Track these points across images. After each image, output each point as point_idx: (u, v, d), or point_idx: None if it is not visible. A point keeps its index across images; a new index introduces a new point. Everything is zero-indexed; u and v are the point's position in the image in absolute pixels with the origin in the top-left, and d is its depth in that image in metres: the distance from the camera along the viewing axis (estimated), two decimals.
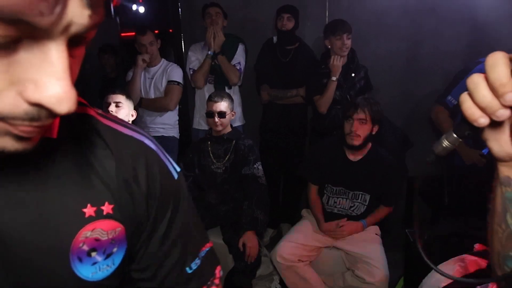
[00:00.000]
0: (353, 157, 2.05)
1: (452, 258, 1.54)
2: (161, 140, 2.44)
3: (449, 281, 1.48)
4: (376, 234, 2.05)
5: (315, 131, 2.88)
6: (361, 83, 2.61)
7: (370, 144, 2.06)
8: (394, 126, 3.02)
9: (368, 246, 1.94)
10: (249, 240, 1.95)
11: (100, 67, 3.19)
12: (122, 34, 3.32)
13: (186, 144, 3.06)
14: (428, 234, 1.73)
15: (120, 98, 2.16)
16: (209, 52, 2.72)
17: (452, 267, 1.51)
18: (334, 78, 2.47)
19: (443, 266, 1.54)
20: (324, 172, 2.10)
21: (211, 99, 2.20)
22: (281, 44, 2.84)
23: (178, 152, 2.90)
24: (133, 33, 2.86)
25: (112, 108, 2.12)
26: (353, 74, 2.58)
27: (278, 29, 2.81)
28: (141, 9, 4.81)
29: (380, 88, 2.85)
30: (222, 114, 2.16)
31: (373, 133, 2.01)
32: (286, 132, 2.91)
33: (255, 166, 2.17)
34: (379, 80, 2.81)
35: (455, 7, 2.76)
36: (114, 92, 2.18)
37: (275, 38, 2.88)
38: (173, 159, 2.45)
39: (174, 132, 2.88)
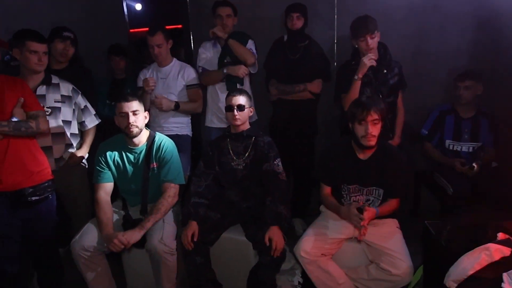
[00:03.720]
0: (363, 156, 2.06)
1: (478, 247, 1.61)
2: (176, 139, 2.43)
3: (477, 268, 1.55)
4: (396, 227, 2.09)
5: (343, 129, 2.71)
6: (395, 80, 2.50)
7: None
8: None
9: (390, 239, 1.98)
10: (275, 234, 1.98)
11: (109, 68, 3.15)
12: (131, 30, 3.27)
13: (196, 143, 3.06)
14: (451, 225, 1.79)
15: (136, 105, 2.11)
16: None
17: (478, 256, 1.57)
18: (356, 77, 2.39)
19: (469, 255, 1.60)
20: (337, 173, 2.10)
21: (230, 94, 2.23)
22: (291, 42, 2.86)
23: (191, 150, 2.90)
24: (143, 29, 2.82)
25: (131, 119, 2.09)
26: (385, 71, 2.47)
27: (287, 28, 2.83)
28: (138, 7, 4.76)
29: None
30: (241, 107, 2.19)
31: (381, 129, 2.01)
32: (295, 129, 2.92)
33: (275, 162, 2.19)
34: None
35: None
36: (127, 100, 2.10)
37: (285, 37, 2.90)
38: (187, 157, 2.46)
39: (187, 130, 2.88)
